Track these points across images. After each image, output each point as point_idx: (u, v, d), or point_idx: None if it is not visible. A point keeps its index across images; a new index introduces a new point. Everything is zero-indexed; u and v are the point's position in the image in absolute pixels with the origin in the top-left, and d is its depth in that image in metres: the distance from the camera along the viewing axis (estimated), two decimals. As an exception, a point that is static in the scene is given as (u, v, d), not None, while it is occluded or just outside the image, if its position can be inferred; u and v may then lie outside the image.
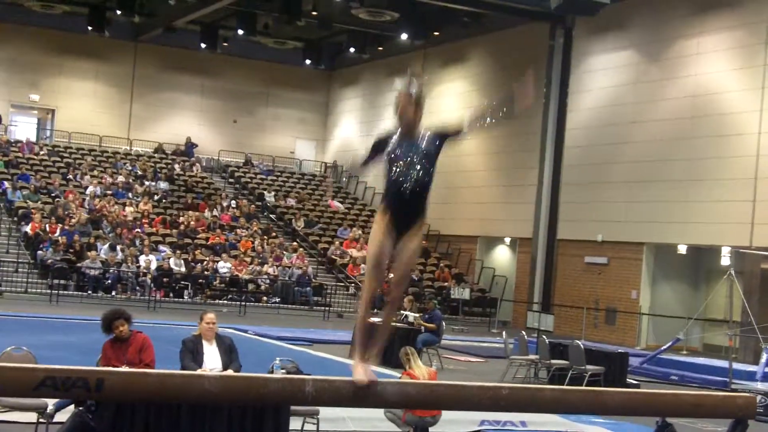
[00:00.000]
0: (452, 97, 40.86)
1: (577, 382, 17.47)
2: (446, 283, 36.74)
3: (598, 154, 33.25)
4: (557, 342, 19.44)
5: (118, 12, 39.07)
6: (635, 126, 31.94)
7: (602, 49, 34.09)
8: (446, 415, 11.66)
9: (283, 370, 10.75)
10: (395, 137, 6.49)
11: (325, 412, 10.54)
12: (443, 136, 6.42)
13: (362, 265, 36.68)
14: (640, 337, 30.99)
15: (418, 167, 6.35)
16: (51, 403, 9.27)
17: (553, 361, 18.59)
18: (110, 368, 7.87)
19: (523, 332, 20.80)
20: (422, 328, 20.14)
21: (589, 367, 17.92)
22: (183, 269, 33.05)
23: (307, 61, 44.97)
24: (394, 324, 20.52)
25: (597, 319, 32.21)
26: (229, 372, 6.40)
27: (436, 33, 39.94)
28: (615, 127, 32.75)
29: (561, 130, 34.98)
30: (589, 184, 33.42)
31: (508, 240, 38.02)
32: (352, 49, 43.04)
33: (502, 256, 38.56)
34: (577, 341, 18.99)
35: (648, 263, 31.52)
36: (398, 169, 6.36)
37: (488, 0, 34.80)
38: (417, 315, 20.80)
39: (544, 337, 19.42)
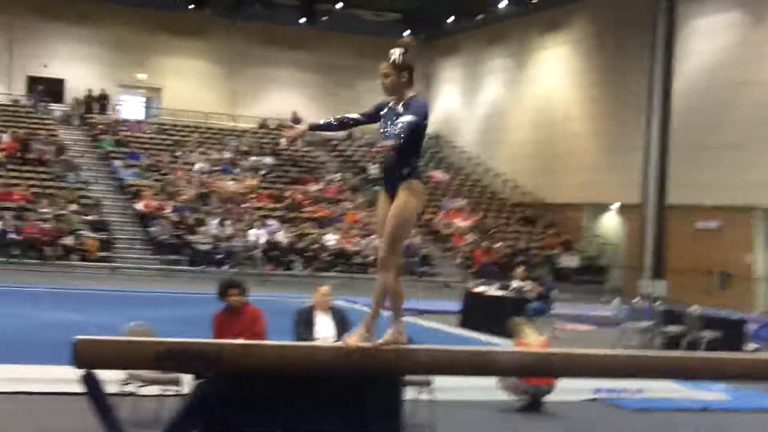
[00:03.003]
0: (554, 64, 40.46)
1: (693, 348, 17.22)
2: (554, 251, 36.47)
3: (706, 117, 32.58)
4: (671, 308, 19.14)
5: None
6: (744, 87, 31.25)
7: (707, 11, 33.39)
8: (560, 383, 11.61)
9: (396, 341, 10.77)
10: (390, 103, 6.66)
11: (438, 381, 10.54)
12: (421, 116, 6.45)
13: (468, 235, 36.64)
14: (755, 303, 30.40)
15: (389, 134, 6.45)
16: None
17: (667, 328, 18.32)
18: (228, 340, 7.96)
19: (636, 299, 20.54)
20: (532, 295, 20.01)
21: (705, 333, 17.62)
22: (291, 242, 33.34)
23: (407, 32, 44.82)
24: (503, 294, 20.52)
25: (710, 284, 31.64)
26: (366, 344, 6.44)
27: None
28: (723, 90, 32.08)
29: (667, 93, 34.20)
30: (698, 147, 32.75)
31: (615, 206, 37.53)
32: (451, 19, 42.77)
33: (609, 223, 38.08)
34: (692, 307, 18.68)
35: (761, 227, 30.87)
36: (379, 137, 6.59)
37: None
38: (527, 285, 20.63)
39: (657, 303, 19.16)
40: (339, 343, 6.54)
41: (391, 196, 6.50)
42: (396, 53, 6.62)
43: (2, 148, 36.25)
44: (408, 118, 6.32)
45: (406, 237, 6.59)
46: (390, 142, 6.25)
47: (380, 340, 6.46)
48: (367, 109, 6.79)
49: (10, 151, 35.96)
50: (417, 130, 6.41)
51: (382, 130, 6.62)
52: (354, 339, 6.49)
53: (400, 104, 6.53)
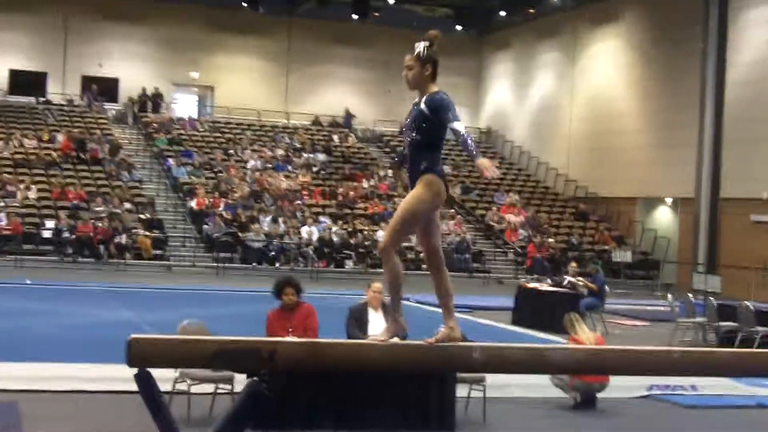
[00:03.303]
0: (606, 57, 40.22)
1: (748, 344, 17.03)
2: (607, 246, 36.25)
3: (760, 109, 32.20)
4: (725, 303, 18.94)
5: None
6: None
7: (759, 1, 33.02)
8: (613, 380, 11.55)
9: (448, 338, 10.77)
10: (414, 100, 6.60)
11: (491, 378, 10.54)
12: (434, 112, 6.34)
13: (520, 231, 36.53)
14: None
15: (410, 133, 6.46)
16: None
17: (721, 324, 18.16)
18: (281, 338, 8.01)
19: (689, 294, 20.39)
20: (585, 291, 19.90)
21: (760, 328, 17.45)
22: (343, 239, 33.40)
23: (458, 27, 44.71)
24: (556, 290, 20.43)
25: (766, 279, 31.28)
26: (396, 340, 6.45)
27: (588, -8, 39.31)
28: (777, 82, 31.75)
29: (720, 85, 33.99)
30: (753, 140, 32.39)
31: (669, 200, 37.25)
32: (502, 13, 42.65)
33: (663, 217, 37.78)
34: (747, 302, 18.50)
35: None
36: (404, 130, 6.60)
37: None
38: (580, 281, 20.51)
39: (711, 298, 19.00)
40: (395, 340, 6.53)
41: (411, 184, 6.49)
42: (420, 46, 6.51)
43: (58, 148, 36.68)
44: (457, 126, 6.26)
45: (411, 230, 6.52)
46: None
47: (432, 338, 6.45)
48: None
49: (66, 151, 36.36)
50: (432, 124, 6.35)
51: (404, 128, 6.58)
52: (385, 335, 6.49)
53: (422, 99, 6.44)
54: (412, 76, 6.51)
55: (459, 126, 6.22)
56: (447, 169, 41.66)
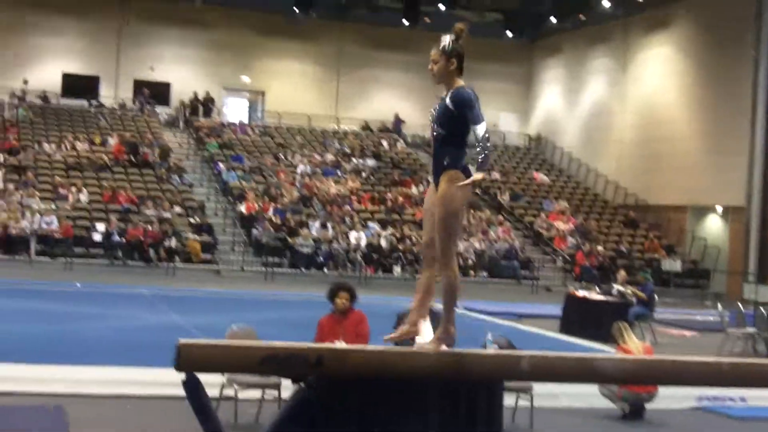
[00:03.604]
0: (657, 64, 39.98)
1: (798, 355, 16.86)
2: (656, 255, 35.99)
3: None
4: (776, 314, 18.75)
5: (323, -8, 39.70)
6: None
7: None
8: (662, 390, 11.46)
9: (496, 345, 10.76)
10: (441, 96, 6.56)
11: (538, 387, 10.50)
12: (458, 107, 6.33)
13: (569, 238, 36.36)
14: None
15: (435, 127, 6.44)
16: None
17: (771, 334, 17.98)
18: (329, 345, 8.02)
19: (740, 304, 20.19)
20: (634, 300, 19.79)
21: (811, 339, 17.26)
22: (391, 245, 33.41)
23: (508, 33, 44.58)
24: (604, 298, 20.30)
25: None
26: (444, 348, 6.44)
27: (640, -1, 39.04)
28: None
29: (773, 94, 33.70)
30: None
31: (719, 209, 36.92)
32: (553, 19, 42.50)
33: (713, 226, 37.45)
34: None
35: None
36: (430, 125, 6.52)
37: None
38: (629, 289, 20.37)
39: (761, 308, 18.81)
40: (443, 348, 6.52)
41: (435, 179, 6.44)
42: (446, 39, 6.53)
43: (109, 151, 37.01)
44: (478, 130, 6.25)
45: (458, 231, 6.48)
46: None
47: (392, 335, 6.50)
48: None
49: (118, 155, 36.67)
50: (456, 119, 6.32)
51: (431, 121, 6.52)
52: (434, 343, 6.46)
53: (448, 94, 6.41)
54: (438, 70, 6.52)
55: (480, 130, 6.23)
56: (495, 175, 41.68)
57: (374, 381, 6.32)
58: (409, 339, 6.62)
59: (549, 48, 47.77)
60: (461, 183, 6.26)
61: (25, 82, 41.07)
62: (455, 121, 6.33)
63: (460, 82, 6.45)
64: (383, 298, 23.25)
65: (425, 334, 9.40)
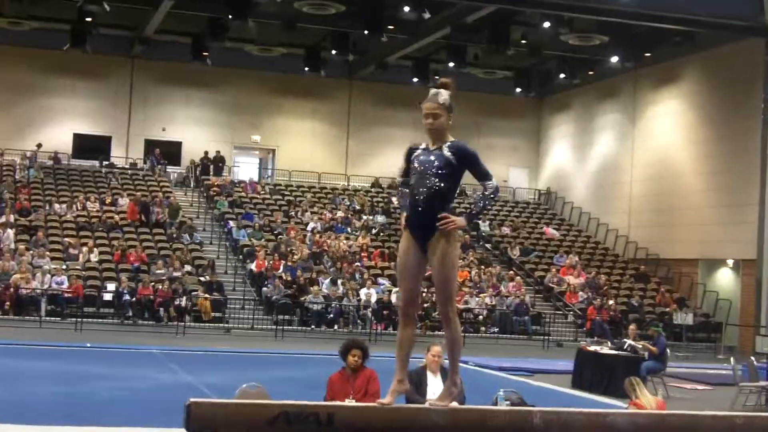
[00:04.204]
0: (667, 118, 40.10)
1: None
2: (668, 308, 35.88)
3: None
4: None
5: (333, 51, 39.87)
6: None
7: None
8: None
9: (508, 402, 10.72)
10: (422, 146, 6.55)
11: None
12: (462, 161, 6.33)
13: (580, 293, 36.28)
14: None
15: (431, 179, 6.35)
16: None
17: (785, 388, 17.87)
18: (340, 403, 8.02)
19: (752, 358, 20.10)
20: (646, 354, 19.72)
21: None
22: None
23: (518, 89, 44.79)
24: (617, 352, 20.23)
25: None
26: (455, 404, 6.43)
27: (648, 54, 39.17)
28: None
29: (782, 147, 33.76)
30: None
31: (730, 262, 36.84)
32: (562, 75, 42.73)
33: (725, 279, 37.35)
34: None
35: None
36: (414, 180, 6.44)
37: (701, 18, 33.92)
38: (641, 344, 20.31)
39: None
40: (454, 405, 6.50)
41: (420, 243, 6.35)
42: (445, 94, 6.56)
43: (120, 211, 37.16)
44: (494, 184, 6.31)
45: (456, 285, 6.48)
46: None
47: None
48: (402, 165, 6.67)
49: (131, 216, 36.79)
50: (458, 173, 6.36)
51: (421, 171, 6.41)
52: (445, 399, 6.45)
53: (445, 147, 6.38)
54: (439, 125, 6.49)
55: (491, 185, 6.31)
56: (506, 230, 41.72)
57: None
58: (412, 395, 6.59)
59: (558, 104, 47.97)
60: (456, 235, 6.30)
61: (39, 146, 41.34)
62: (456, 175, 6.35)
63: (450, 137, 6.45)
64: (394, 356, 23.18)
65: (436, 391, 9.37)
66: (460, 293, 34.40)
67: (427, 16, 35.50)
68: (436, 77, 42.97)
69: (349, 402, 9.01)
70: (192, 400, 5.85)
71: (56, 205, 36.93)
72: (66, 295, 30.49)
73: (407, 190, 6.51)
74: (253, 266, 34.38)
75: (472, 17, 35.84)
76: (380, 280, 34.71)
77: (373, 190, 44.91)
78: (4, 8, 37.68)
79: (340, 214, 40.62)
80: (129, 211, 37.06)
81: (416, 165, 6.46)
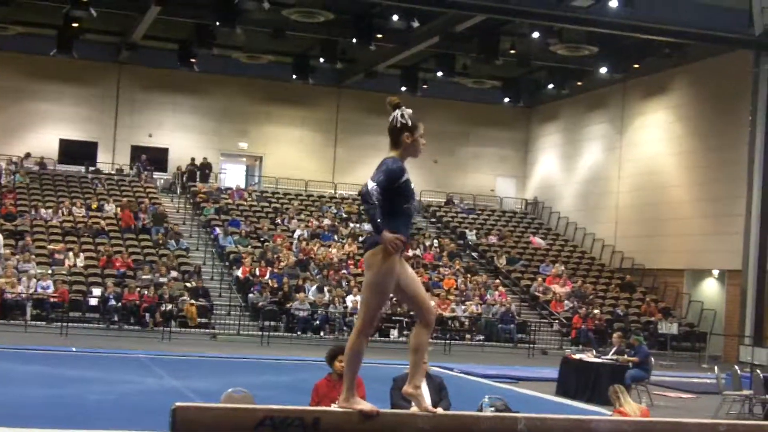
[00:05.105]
0: (654, 129, 40.23)
1: (796, 418, 16.82)
2: (653, 318, 35.98)
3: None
4: (772, 377, 18.75)
5: (321, 60, 39.86)
6: None
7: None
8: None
9: (493, 408, 10.76)
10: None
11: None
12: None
13: (565, 302, 36.36)
14: None
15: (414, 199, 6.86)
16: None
17: (768, 397, 17.96)
18: (325, 408, 8.04)
19: (736, 367, 20.19)
20: (629, 364, 19.79)
21: (807, 403, 17.23)
22: (389, 309, 33.39)
23: (506, 99, 44.85)
24: (601, 361, 20.30)
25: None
26: (440, 410, 6.47)
27: (636, 65, 39.28)
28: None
29: (769, 158, 33.93)
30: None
31: (716, 272, 36.97)
32: (550, 86, 42.83)
33: (710, 289, 37.48)
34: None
35: None
36: (411, 200, 6.84)
37: (690, 30, 34.05)
38: (621, 359, 20.35)
39: (758, 371, 18.81)
40: (439, 410, 6.54)
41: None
42: (408, 112, 6.77)
43: (108, 217, 37.10)
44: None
45: (383, 302, 6.61)
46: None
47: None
48: (399, 181, 6.87)
49: (127, 221, 36.72)
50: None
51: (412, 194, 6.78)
52: (366, 405, 6.48)
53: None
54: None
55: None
56: (492, 239, 41.83)
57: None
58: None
59: (546, 114, 48.06)
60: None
61: (28, 155, 41.32)
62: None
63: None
64: (379, 362, 23.22)
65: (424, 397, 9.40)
66: (447, 301, 34.47)
67: (416, 25, 35.55)
68: (424, 86, 43.18)
69: (335, 408, 9.05)
70: (178, 404, 5.87)
71: (42, 210, 36.86)
72: (52, 299, 30.45)
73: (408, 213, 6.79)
74: (239, 273, 34.37)
75: (461, 27, 35.89)
76: (366, 287, 34.63)
77: (360, 197, 44.84)
78: (-9, 13, 37.66)
79: (326, 221, 40.62)
80: (124, 217, 36.97)
81: (412, 187, 6.78)
